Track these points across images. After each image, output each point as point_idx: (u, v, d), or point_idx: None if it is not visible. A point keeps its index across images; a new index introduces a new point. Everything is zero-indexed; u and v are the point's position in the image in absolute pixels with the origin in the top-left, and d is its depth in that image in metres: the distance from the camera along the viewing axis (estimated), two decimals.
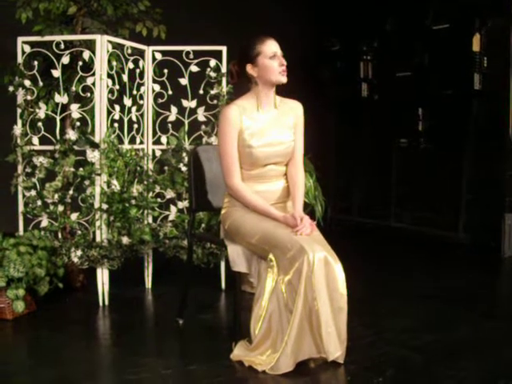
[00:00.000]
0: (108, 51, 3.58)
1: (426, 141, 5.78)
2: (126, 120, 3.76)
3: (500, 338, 3.01)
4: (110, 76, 3.61)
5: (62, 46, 3.59)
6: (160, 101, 3.90)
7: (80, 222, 3.65)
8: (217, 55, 3.88)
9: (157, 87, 3.90)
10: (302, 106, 2.92)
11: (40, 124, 3.63)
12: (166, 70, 3.86)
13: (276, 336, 2.58)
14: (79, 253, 3.53)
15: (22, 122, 3.64)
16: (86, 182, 3.60)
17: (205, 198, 3.19)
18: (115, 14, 3.85)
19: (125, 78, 3.74)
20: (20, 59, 3.62)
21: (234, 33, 4.04)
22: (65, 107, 3.66)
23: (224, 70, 3.87)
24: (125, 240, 3.63)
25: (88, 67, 3.61)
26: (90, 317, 3.40)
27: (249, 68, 2.76)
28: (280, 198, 2.86)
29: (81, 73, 3.59)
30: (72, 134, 3.56)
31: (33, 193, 3.63)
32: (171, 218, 3.90)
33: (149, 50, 3.89)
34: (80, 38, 3.68)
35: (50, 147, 3.64)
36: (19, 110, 3.64)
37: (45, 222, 3.65)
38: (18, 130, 3.62)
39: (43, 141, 3.65)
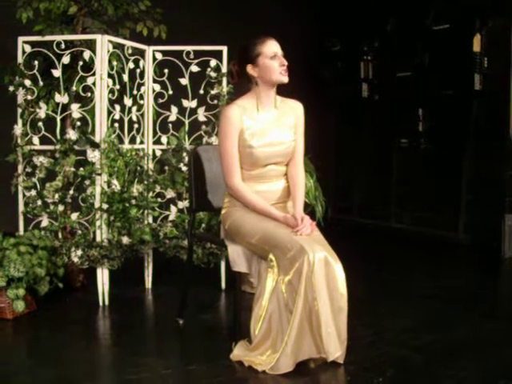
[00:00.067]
0: (108, 51, 3.58)
1: (426, 141, 5.79)
2: (126, 120, 3.76)
3: (500, 338, 3.01)
4: (110, 76, 3.61)
5: (63, 46, 3.59)
6: (160, 101, 3.90)
7: (80, 222, 3.65)
8: (217, 55, 3.88)
9: (157, 87, 3.90)
10: (302, 106, 2.91)
11: (40, 124, 3.63)
12: (166, 70, 3.86)
13: (276, 336, 2.58)
14: (79, 253, 3.53)
15: (22, 121, 3.64)
16: (87, 182, 3.60)
17: (205, 197, 3.19)
18: (116, 13, 3.85)
19: (125, 77, 3.74)
20: (20, 59, 3.62)
21: (235, 33, 4.04)
22: (65, 107, 3.66)
23: (224, 69, 3.87)
24: (125, 240, 3.63)
25: (88, 67, 3.61)
26: (90, 317, 3.40)
27: (249, 68, 2.76)
28: (280, 198, 2.86)
29: (81, 73, 3.60)
30: (72, 134, 3.56)
31: (33, 192, 3.63)
32: (171, 217, 3.90)
33: (149, 50, 3.89)
34: (80, 37, 3.68)
35: (51, 147, 3.64)
36: (19, 110, 3.64)
37: (45, 222, 3.65)
38: (18, 129, 3.63)
39: (43, 140, 3.66)
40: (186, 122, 3.91)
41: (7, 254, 3.30)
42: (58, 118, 3.63)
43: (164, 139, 3.91)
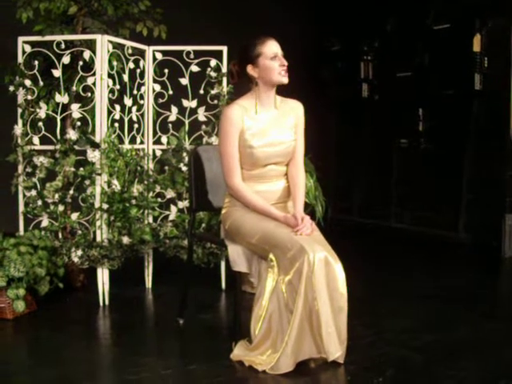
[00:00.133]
0: (108, 51, 3.58)
1: (426, 141, 5.79)
2: (126, 120, 3.76)
3: (500, 338, 3.01)
4: (110, 76, 3.61)
5: (63, 46, 3.59)
6: (160, 101, 3.90)
7: (80, 222, 3.65)
8: (217, 55, 3.88)
9: (157, 87, 3.90)
10: (302, 105, 2.91)
11: (40, 124, 3.64)
12: (166, 70, 3.86)
13: (276, 336, 2.58)
14: (79, 252, 3.53)
15: (22, 121, 3.65)
16: (87, 182, 3.60)
17: (205, 197, 3.19)
18: (116, 13, 3.85)
19: (125, 77, 3.74)
20: (20, 59, 3.62)
21: (235, 33, 4.05)
22: (65, 107, 3.66)
23: (224, 69, 3.87)
24: (125, 240, 3.63)
25: (88, 67, 3.61)
26: (90, 316, 3.40)
27: (249, 69, 2.76)
28: (280, 198, 2.86)
29: (81, 73, 3.60)
30: (72, 134, 3.56)
31: (33, 193, 3.63)
32: (171, 217, 3.90)
33: (149, 50, 3.89)
34: (80, 37, 3.68)
35: (51, 147, 3.64)
36: (20, 110, 3.64)
37: (45, 222, 3.65)
38: (18, 129, 3.63)
39: (44, 140, 3.66)
40: (186, 121, 3.91)
41: (7, 254, 3.30)
42: (58, 118, 3.63)
43: (164, 139, 3.92)
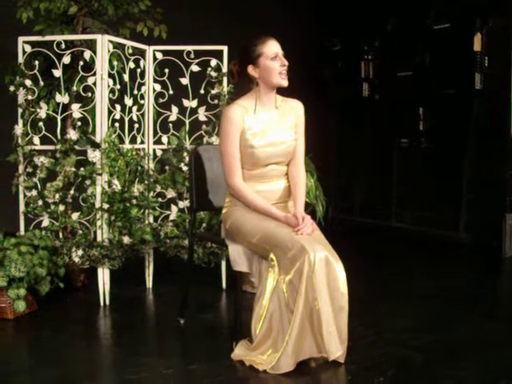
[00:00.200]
0: (109, 51, 3.58)
1: (426, 140, 5.78)
2: (126, 120, 3.76)
3: (500, 338, 3.01)
4: (110, 76, 3.61)
5: (63, 46, 3.59)
6: (161, 100, 3.90)
7: (81, 222, 3.65)
8: (218, 55, 3.88)
9: (158, 87, 3.90)
10: (302, 105, 2.92)
11: (41, 124, 3.64)
12: (166, 70, 3.86)
13: (277, 335, 2.58)
14: (80, 252, 3.53)
15: (22, 121, 3.65)
16: (87, 182, 3.61)
17: (206, 197, 3.19)
18: (116, 13, 3.85)
19: (126, 77, 3.74)
20: (21, 59, 3.62)
21: (235, 33, 4.04)
22: (66, 107, 3.66)
23: (225, 69, 3.87)
24: (126, 240, 3.63)
25: (89, 67, 3.61)
26: (90, 316, 3.41)
27: (250, 69, 2.76)
28: (281, 197, 2.86)
29: (82, 72, 3.60)
30: (73, 134, 3.56)
31: (34, 192, 3.63)
32: (172, 217, 3.90)
33: (150, 50, 3.89)
34: (81, 37, 3.68)
35: (51, 147, 3.64)
36: (20, 110, 3.64)
37: (46, 222, 3.65)
38: (18, 129, 3.63)
39: (44, 140, 3.66)
40: (187, 121, 3.91)
41: (8, 253, 3.30)
42: (59, 118, 3.63)
43: (165, 139, 3.92)
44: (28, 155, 3.64)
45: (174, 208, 3.90)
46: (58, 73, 3.61)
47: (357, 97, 6.33)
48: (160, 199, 3.89)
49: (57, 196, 3.62)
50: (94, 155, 3.52)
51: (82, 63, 3.61)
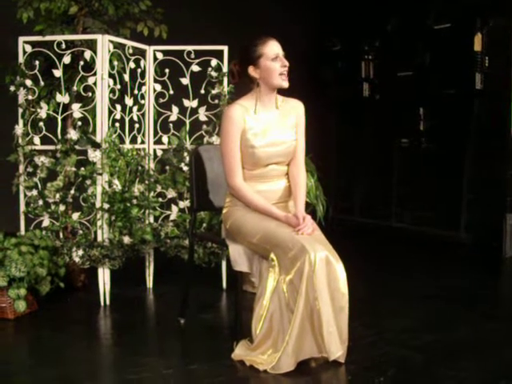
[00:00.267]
0: (109, 51, 3.58)
1: (427, 140, 5.78)
2: (127, 120, 3.76)
3: (501, 338, 3.01)
4: (111, 76, 3.61)
5: (64, 46, 3.59)
6: (161, 100, 3.90)
7: (81, 222, 3.65)
8: (218, 55, 3.88)
9: (158, 87, 3.90)
10: (303, 105, 2.92)
11: (41, 124, 3.64)
12: (167, 70, 3.86)
13: (277, 335, 2.58)
14: (80, 252, 3.53)
15: (23, 121, 3.65)
16: (88, 182, 3.61)
17: (206, 197, 3.19)
18: (116, 13, 3.85)
19: (126, 77, 3.74)
20: (21, 59, 3.62)
21: (235, 33, 4.04)
22: (66, 107, 3.66)
23: (225, 69, 3.87)
24: (126, 240, 3.63)
25: (89, 67, 3.61)
26: (91, 316, 3.41)
27: (251, 70, 2.75)
28: (281, 197, 2.86)
29: (82, 72, 3.60)
30: (73, 134, 3.56)
31: (34, 192, 3.63)
32: (172, 217, 3.90)
33: (150, 50, 3.89)
34: (81, 37, 3.68)
35: (52, 147, 3.64)
36: (20, 110, 3.64)
37: (46, 222, 3.65)
38: (19, 129, 3.63)
39: (44, 140, 3.66)
40: (187, 121, 3.91)
41: (8, 253, 3.30)
42: (59, 118, 3.63)
43: (165, 139, 3.92)
44: (28, 155, 3.64)
45: (174, 208, 3.90)
46: (58, 73, 3.61)
47: (357, 97, 6.33)
48: (160, 199, 3.89)
49: (57, 196, 3.62)
50: (94, 155, 3.52)
51: (82, 63, 3.61)
